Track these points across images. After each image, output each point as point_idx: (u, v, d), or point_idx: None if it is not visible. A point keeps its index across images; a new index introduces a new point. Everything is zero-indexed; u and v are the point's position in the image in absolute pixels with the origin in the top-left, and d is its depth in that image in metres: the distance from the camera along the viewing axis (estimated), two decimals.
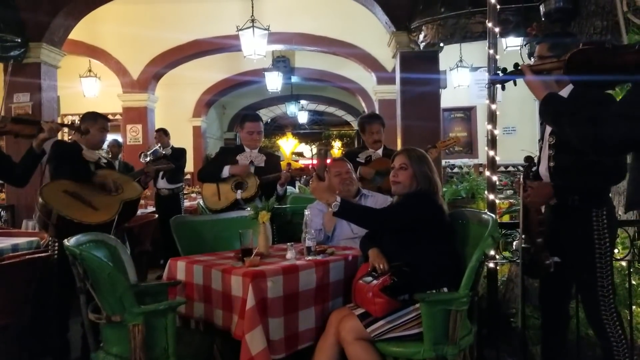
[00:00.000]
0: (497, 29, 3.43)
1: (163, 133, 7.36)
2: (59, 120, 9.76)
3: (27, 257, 3.52)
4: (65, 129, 4.33)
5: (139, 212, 6.62)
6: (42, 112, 6.65)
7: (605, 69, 2.01)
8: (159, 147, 7.01)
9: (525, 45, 5.29)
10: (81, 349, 3.70)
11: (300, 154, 23.29)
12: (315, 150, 23.10)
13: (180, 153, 7.20)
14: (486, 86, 2.91)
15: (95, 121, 3.94)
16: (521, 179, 2.86)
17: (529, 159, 2.91)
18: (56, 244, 3.61)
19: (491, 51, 3.40)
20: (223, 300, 2.72)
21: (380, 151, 4.51)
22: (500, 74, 2.65)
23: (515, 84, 2.67)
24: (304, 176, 6.17)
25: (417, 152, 2.99)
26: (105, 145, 6.25)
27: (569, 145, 2.66)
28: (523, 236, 2.91)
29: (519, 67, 2.53)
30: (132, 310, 2.43)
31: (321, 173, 2.99)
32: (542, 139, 2.97)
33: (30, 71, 6.71)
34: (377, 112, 10.20)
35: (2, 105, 6.49)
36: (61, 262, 3.41)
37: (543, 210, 2.93)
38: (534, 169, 2.97)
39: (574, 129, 2.15)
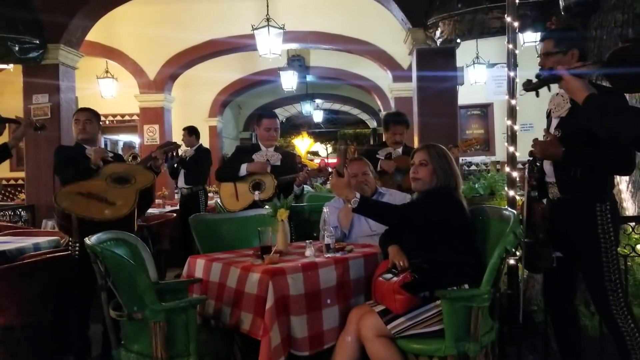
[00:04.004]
0: (516, 24, 3.39)
1: (187, 133, 7.15)
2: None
3: (48, 256, 3.54)
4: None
5: (157, 211, 6.69)
6: (60, 113, 6.74)
7: None
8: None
9: (542, 40, 5.21)
10: (102, 347, 3.74)
11: (316, 153, 23.32)
12: (330, 149, 23.12)
13: (202, 154, 7.04)
14: (520, 94, 2.90)
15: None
16: (526, 174, 2.85)
17: (533, 153, 2.89)
18: (77, 244, 3.63)
19: (510, 46, 3.36)
20: (243, 298, 2.71)
21: (400, 149, 4.48)
22: (535, 80, 2.65)
23: (549, 90, 2.65)
24: (321, 177, 6.12)
25: (438, 149, 2.96)
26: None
27: (577, 137, 2.65)
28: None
29: (555, 72, 2.52)
30: (153, 308, 2.43)
31: (341, 169, 2.96)
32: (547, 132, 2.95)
33: (49, 72, 6.78)
34: (393, 110, 10.16)
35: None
36: (82, 261, 3.44)
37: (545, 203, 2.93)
38: (538, 163, 2.95)
39: (624, 124, 2.11)
